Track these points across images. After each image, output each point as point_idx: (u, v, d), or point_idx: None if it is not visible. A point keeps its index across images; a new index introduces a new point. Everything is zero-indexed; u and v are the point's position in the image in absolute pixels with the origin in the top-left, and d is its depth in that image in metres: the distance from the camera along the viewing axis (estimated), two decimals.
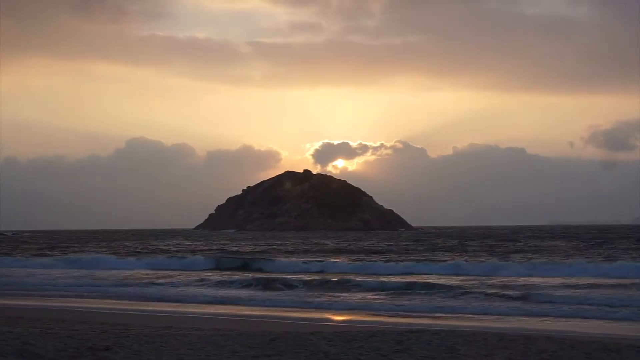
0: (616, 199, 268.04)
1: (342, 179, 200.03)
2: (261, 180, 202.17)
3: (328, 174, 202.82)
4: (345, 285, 30.31)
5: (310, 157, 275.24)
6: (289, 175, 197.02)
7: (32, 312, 21.04)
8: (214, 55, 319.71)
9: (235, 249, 71.41)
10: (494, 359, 11.31)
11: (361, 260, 49.13)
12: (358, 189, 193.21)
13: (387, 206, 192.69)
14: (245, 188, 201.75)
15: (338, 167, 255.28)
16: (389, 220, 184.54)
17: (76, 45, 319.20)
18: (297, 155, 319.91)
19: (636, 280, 29.97)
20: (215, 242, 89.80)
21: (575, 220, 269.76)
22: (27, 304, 25.35)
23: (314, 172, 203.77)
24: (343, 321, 20.41)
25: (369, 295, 27.04)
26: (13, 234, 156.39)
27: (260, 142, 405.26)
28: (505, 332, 15.20)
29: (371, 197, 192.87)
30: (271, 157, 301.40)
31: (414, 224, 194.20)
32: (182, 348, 11.99)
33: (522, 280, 31.66)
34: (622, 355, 12.10)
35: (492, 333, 14.30)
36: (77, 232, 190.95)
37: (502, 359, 11.32)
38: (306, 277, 34.42)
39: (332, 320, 20.64)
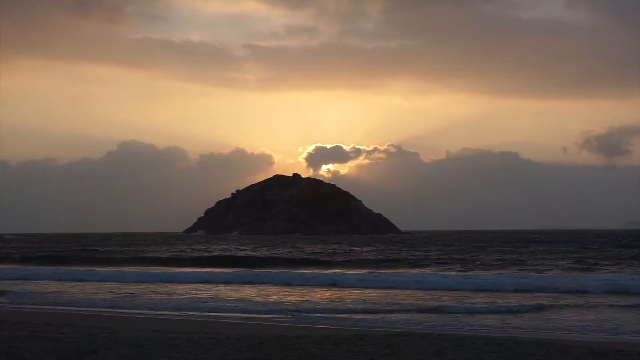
0: (608, 204, 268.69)
1: (334, 182, 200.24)
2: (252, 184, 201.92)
3: (317, 178, 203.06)
4: None
5: (303, 160, 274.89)
6: (278, 179, 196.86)
7: (18, 315, 20.90)
8: (208, 59, 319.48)
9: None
10: None
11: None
12: (347, 193, 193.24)
13: (379, 210, 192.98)
14: (234, 192, 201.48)
15: (330, 170, 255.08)
16: (378, 224, 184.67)
17: (69, 46, 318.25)
18: (290, 159, 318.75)
19: None
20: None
21: (563, 225, 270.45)
22: (13, 307, 25.19)
23: (307, 175, 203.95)
24: (331, 324, 20.36)
25: None
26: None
27: (253, 145, 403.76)
28: (494, 336, 15.22)
29: (360, 201, 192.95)
30: (264, 160, 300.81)
31: (406, 228, 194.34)
32: (170, 351, 11.94)
33: None
34: (609, 359, 12.13)
35: (481, 337, 14.32)
36: (74, 235, 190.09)
37: None
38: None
39: (320, 324, 20.59)
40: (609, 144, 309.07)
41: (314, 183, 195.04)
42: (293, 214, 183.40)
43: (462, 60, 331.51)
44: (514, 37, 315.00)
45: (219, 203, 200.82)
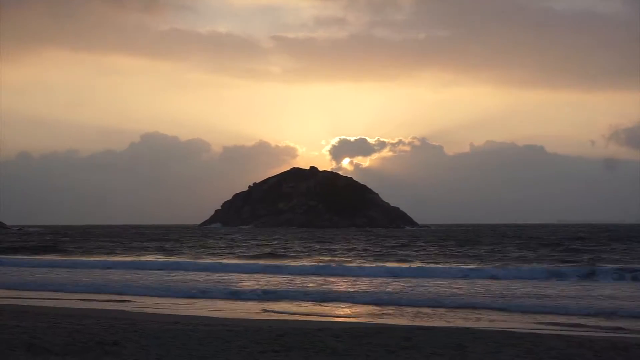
0: (632, 199, 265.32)
1: (357, 175, 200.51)
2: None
3: (335, 171, 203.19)
4: None
5: (327, 153, 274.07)
6: (296, 171, 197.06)
7: (38, 307, 21.03)
8: (235, 50, 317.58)
9: None
10: (502, 356, 11.27)
11: None
12: (364, 186, 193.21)
13: (401, 203, 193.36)
14: (251, 184, 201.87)
15: (353, 163, 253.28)
16: (394, 218, 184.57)
17: (98, 37, 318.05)
18: (313, 152, 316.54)
19: None
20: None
21: (581, 219, 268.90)
22: (32, 297, 25.33)
23: (330, 168, 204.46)
24: (351, 317, 20.37)
25: None
26: (19, 228, 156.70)
27: (277, 138, 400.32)
28: (513, 330, 15.17)
29: (377, 194, 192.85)
30: (287, 153, 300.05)
31: (427, 222, 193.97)
32: (189, 343, 11.99)
33: None
34: (630, 353, 12.06)
35: (500, 331, 14.28)
36: (91, 227, 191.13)
37: (509, 356, 11.28)
38: None
39: (340, 317, 20.61)
40: (638, 137, 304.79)
41: (331, 176, 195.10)
42: (310, 207, 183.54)
43: (490, 52, 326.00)
44: (545, 28, 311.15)
45: (236, 195, 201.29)
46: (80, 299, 25.00)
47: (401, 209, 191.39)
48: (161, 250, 63.89)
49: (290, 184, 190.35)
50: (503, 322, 18.31)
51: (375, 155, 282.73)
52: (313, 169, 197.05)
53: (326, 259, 48.95)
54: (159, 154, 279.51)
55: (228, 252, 59.92)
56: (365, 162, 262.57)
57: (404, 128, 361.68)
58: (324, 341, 12.15)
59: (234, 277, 34.52)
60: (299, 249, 63.14)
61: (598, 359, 11.33)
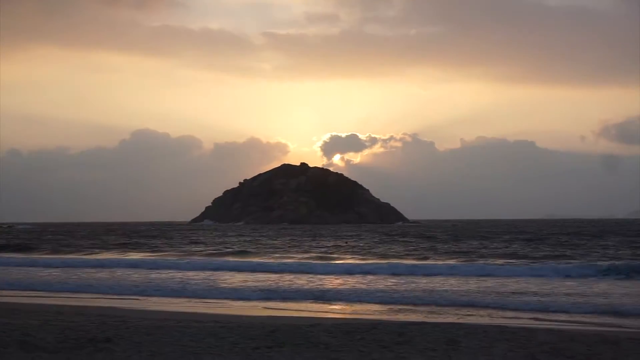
0: (622, 193, 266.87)
1: (349, 171, 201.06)
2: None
3: (325, 167, 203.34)
4: None
5: (319, 149, 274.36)
6: (286, 168, 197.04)
7: (28, 304, 20.97)
8: (226, 47, 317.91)
9: None
10: (495, 351, 11.30)
11: None
12: (355, 183, 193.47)
13: (391, 199, 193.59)
14: (242, 181, 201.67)
15: (344, 159, 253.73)
16: (385, 214, 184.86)
17: (88, 34, 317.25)
18: (305, 148, 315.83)
19: None
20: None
21: (570, 214, 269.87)
22: (23, 295, 25.27)
23: (321, 164, 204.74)
24: (343, 314, 20.38)
25: None
26: (8, 226, 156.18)
27: (269, 134, 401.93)
28: (506, 324, 15.21)
29: (367, 190, 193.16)
30: (278, 149, 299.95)
31: (417, 217, 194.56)
32: (183, 339, 11.96)
33: None
34: (621, 347, 12.10)
35: (493, 325, 14.30)
36: (82, 224, 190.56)
37: (502, 351, 11.31)
38: None
39: (332, 313, 20.62)
40: (628, 132, 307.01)
41: (322, 172, 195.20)
42: (300, 203, 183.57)
43: (481, 48, 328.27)
44: (536, 25, 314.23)
45: (227, 192, 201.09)
46: (68, 297, 24.94)
47: (392, 204, 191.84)
48: (148, 247, 63.75)
49: (281, 181, 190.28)
50: (496, 318, 18.39)
51: (366, 152, 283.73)
52: (304, 165, 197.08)
53: (317, 255, 49.05)
54: (150, 151, 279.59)
55: (217, 249, 59.91)
56: (356, 158, 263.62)
57: (395, 124, 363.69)
58: (317, 337, 12.14)
59: (223, 274, 34.49)
60: (289, 246, 63.21)
61: (590, 353, 11.36)
